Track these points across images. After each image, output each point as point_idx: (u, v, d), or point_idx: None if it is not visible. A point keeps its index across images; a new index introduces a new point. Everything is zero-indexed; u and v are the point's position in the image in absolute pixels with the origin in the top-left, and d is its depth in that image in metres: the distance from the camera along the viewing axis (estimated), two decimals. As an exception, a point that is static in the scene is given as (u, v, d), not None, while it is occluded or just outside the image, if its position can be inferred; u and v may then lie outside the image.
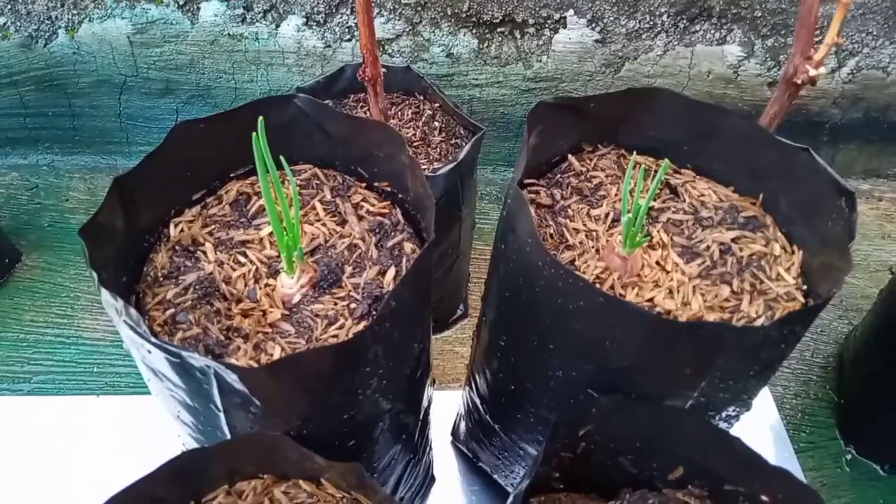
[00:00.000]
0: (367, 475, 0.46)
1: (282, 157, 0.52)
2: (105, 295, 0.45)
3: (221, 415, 0.48)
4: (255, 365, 0.48)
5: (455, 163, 0.82)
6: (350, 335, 0.50)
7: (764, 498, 0.52)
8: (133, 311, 0.44)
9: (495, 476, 0.77)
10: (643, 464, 0.56)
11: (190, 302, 0.52)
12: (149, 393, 0.92)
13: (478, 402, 0.71)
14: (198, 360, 0.42)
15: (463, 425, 0.79)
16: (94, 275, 0.45)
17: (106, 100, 1.21)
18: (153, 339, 0.42)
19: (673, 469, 0.55)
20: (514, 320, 0.58)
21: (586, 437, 0.55)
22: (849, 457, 0.93)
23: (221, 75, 1.18)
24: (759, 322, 0.53)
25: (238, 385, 0.43)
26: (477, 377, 0.70)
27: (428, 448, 0.73)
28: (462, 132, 0.95)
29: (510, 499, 0.48)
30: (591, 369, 0.52)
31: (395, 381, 0.52)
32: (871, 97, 1.22)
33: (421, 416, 0.67)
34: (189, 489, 0.51)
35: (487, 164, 1.29)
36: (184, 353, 0.42)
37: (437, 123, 0.95)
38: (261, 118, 0.48)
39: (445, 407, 0.86)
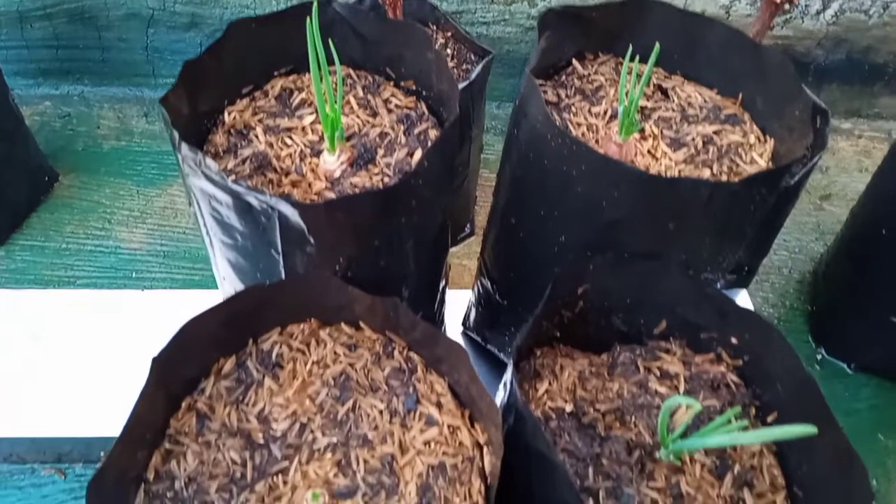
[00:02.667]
0: (403, 305, 0.56)
1: (331, 45, 0.61)
2: (184, 149, 0.53)
3: (280, 259, 0.57)
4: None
5: (468, 81, 0.91)
6: (386, 195, 0.59)
7: (734, 341, 0.61)
8: (210, 160, 0.52)
9: (502, 355, 0.87)
10: (632, 320, 0.66)
11: (248, 171, 0.61)
12: (188, 288, 1.02)
13: (488, 284, 0.81)
14: (266, 198, 0.51)
15: (473, 312, 0.89)
16: (175, 133, 0.54)
17: (134, 33, 1.28)
18: (230, 182, 0.51)
19: (658, 324, 0.65)
20: (523, 197, 0.67)
21: (583, 296, 0.65)
22: (819, 357, 1.03)
23: (244, 10, 1.25)
24: (732, 191, 0.62)
25: (297, 221, 0.52)
26: (488, 262, 0.80)
27: (443, 328, 0.83)
28: (473, 58, 1.03)
29: (515, 342, 0.57)
30: (589, 230, 0.61)
31: (423, 239, 0.61)
32: (854, 39, 1.30)
33: (438, 294, 0.76)
34: (246, 330, 0.60)
35: (493, 100, 1.37)
36: (255, 193, 0.51)
37: (449, 51, 1.03)
38: (315, 8, 0.56)
39: (456, 305, 0.95)
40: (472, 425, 0.57)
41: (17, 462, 0.85)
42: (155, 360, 0.51)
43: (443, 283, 0.77)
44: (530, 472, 0.52)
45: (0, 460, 0.85)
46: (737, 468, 0.57)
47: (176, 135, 0.54)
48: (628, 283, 0.63)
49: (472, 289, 0.90)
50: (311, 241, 0.53)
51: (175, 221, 1.14)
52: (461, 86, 0.90)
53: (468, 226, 1.18)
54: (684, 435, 0.54)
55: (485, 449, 0.55)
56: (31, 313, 0.95)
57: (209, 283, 1.04)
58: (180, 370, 0.56)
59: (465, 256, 1.13)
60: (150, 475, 0.54)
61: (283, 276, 0.58)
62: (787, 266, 1.15)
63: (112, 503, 0.50)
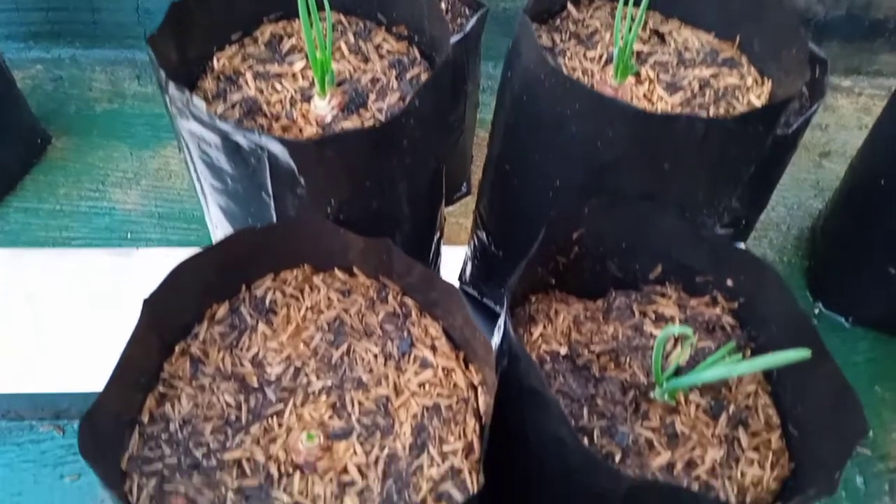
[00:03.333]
0: (397, 248, 0.55)
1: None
2: (172, 89, 0.52)
3: (271, 202, 0.56)
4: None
5: (462, 34, 0.89)
6: (378, 138, 0.58)
7: (729, 283, 0.61)
8: (197, 100, 0.52)
9: (498, 308, 0.87)
10: (627, 265, 0.65)
11: (237, 116, 0.60)
12: (185, 246, 1.01)
13: (484, 236, 0.80)
14: (254, 137, 0.50)
15: (469, 266, 0.89)
16: (162, 72, 0.53)
17: (124, -6, 1.27)
18: (217, 121, 0.51)
19: (653, 268, 0.65)
20: (517, 142, 0.66)
21: (579, 241, 0.64)
22: (817, 311, 1.02)
23: (235, -32, 1.23)
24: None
25: (287, 160, 0.51)
26: (483, 213, 0.79)
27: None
28: (467, 12, 1.01)
29: (509, 281, 0.56)
30: (584, 173, 0.61)
31: (416, 184, 0.61)
32: (854, -7, 1.28)
33: (433, 245, 0.76)
34: (238, 276, 0.60)
35: (489, 60, 1.35)
36: (244, 132, 0.50)
37: (443, 4, 1.01)
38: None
39: (452, 262, 0.95)
40: (467, 367, 0.57)
41: (15, 419, 0.85)
42: (146, 302, 0.51)
43: (437, 234, 0.76)
44: (524, 411, 0.52)
45: (-2, 417, 0.85)
46: (731, 408, 0.57)
47: (163, 74, 0.53)
48: (624, 226, 0.62)
49: (468, 243, 0.90)
50: (302, 181, 0.53)
51: (169, 183, 1.13)
52: (455, 38, 0.89)
53: (464, 185, 1.17)
54: (678, 374, 0.54)
55: (479, 389, 0.55)
56: (27, 272, 0.95)
57: (205, 242, 1.04)
58: (173, 315, 0.55)
59: (461, 215, 1.13)
60: (145, 418, 0.54)
61: (274, 219, 0.58)
62: (785, 222, 1.14)
63: (106, 444, 0.50)
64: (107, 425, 0.49)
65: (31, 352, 0.86)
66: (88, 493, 0.81)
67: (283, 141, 0.50)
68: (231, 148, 0.53)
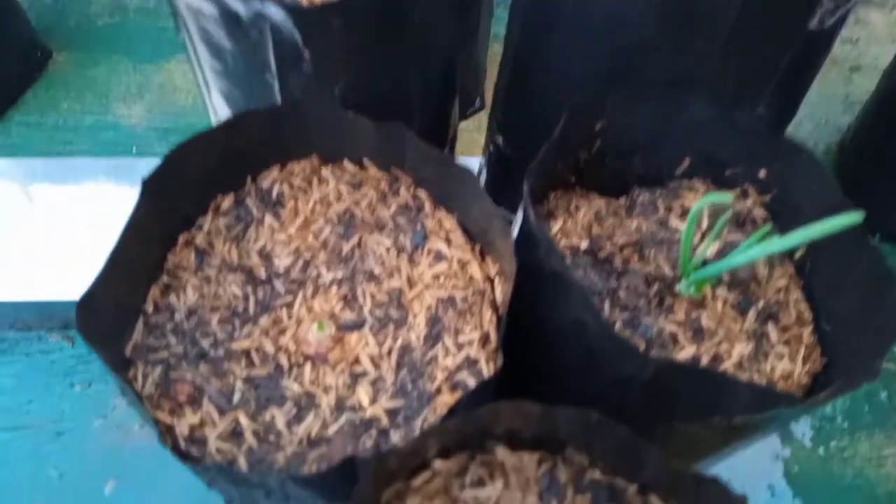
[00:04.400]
0: (410, 132, 0.52)
1: None
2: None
3: (275, 83, 0.53)
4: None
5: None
6: None
7: (762, 175, 0.57)
8: (195, -35, 0.48)
9: (513, 217, 0.84)
10: (652, 160, 0.62)
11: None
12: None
13: (499, 139, 0.77)
14: (255, 4, 0.47)
15: (485, 174, 0.85)
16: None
17: None
18: (216, -13, 0.47)
19: (680, 162, 0.61)
20: (536, 29, 0.62)
21: (601, 134, 0.60)
22: (842, 228, 0.99)
23: None
24: None
25: (290, 30, 0.47)
26: (499, 115, 0.75)
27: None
28: None
29: (529, 166, 0.53)
30: (607, 58, 0.57)
31: (427, 75, 0.57)
32: None
33: (446, 149, 0.72)
34: (244, 167, 0.57)
35: (504, -29, 1.29)
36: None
37: None
38: None
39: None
40: (483, 259, 0.55)
41: (23, 329, 0.84)
42: (145, 183, 0.48)
43: (450, 134, 0.73)
44: (544, 298, 0.49)
45: (6, 327, 0.84)
46: (761, 303, 0.54)
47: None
48: (650, 116, 0.59)
49: (483, 153, 0.86)
50: (306, 56, 0.49)
51: (174, 97, 1.10)
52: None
53: (478, 99, 1.12)
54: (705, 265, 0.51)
55: (496, 280, 0.53)
56: (33, 181, 0.93)
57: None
58: (174, 202, 0.53)
59: (475, 130, 1.09)
60: (149, 307, 0.52)
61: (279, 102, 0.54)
62: (812, 138, 1.10)
63: (108, 330, 0.48)
64: (107, 310, 0.47)
65: (37, 260, 0.84)
66: (100, 401, 0.80)
67: (285, 7, 0.46)
68: (230, 21, 0.49)
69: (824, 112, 1.13)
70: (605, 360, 0.45)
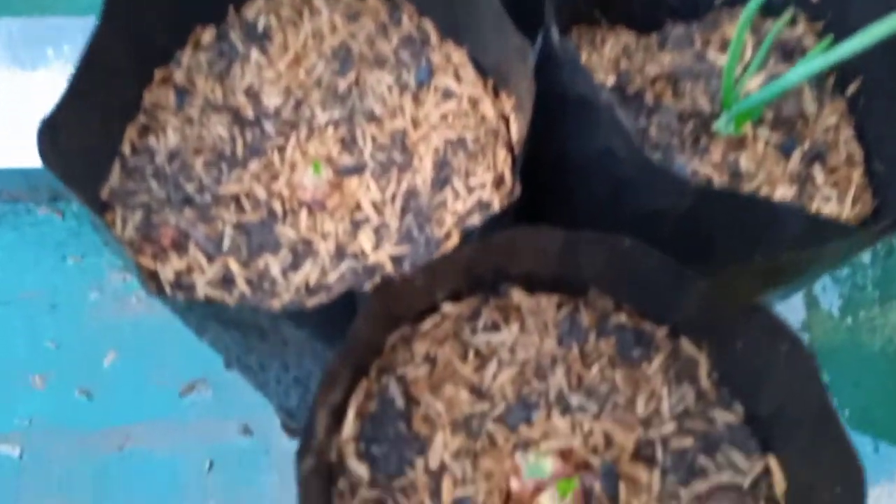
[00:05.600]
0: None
1: None
2: None
3: None
4: None
5: None
6: None
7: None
8: None
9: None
10: (688, -9, 0.55)
11: None
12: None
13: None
14: None
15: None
16: None
17: None
18: None
19: (721, -10, 0.54)
20: None
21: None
22: None
23: None
24: None
25: None
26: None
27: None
28: None
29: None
30: None
31: None
32: None
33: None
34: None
35: None
36: None
37: None
38: None
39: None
40: (497, 96, 0.49)
41: (10, 200, 0.80)
42: (107, 1, 0.42)
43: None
44: (567, 130, 0.44)
45: (-8, 198, 0.80)
46: (807, 144, 0.49)
47: None
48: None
49: None
50: None
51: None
52: None
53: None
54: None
55: (511, 117, 0.47)
56: (10, 42, 0.86)
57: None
58: (146, 28, 0.47)
59: None
60: (126, 149, 0.47)
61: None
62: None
63: (82, 173, 0.43)
64: (77, 147, 0.42)
65: (18, 126, 0.79)
66: (94, 274, 0.77)
67: None
68: None
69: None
70: (636, 192, 0.40)
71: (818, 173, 0.48)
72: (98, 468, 0.67)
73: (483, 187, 0.45)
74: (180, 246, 0.43)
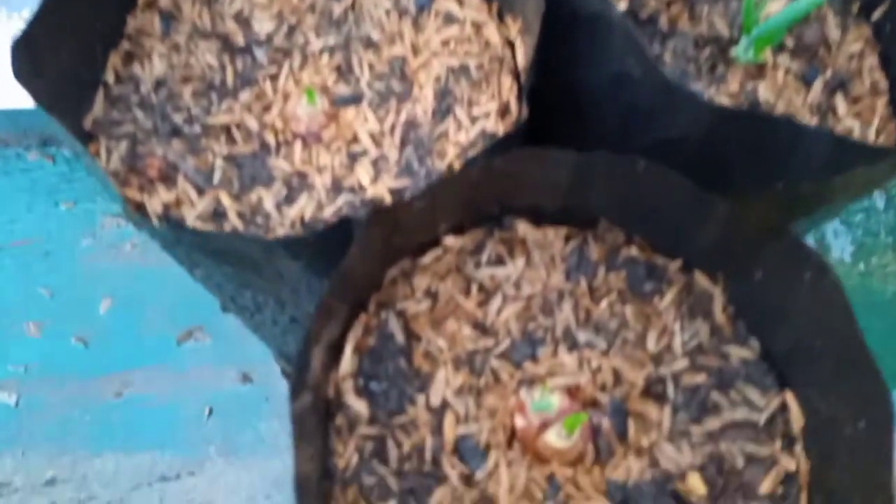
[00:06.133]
0: None
1: None
2: None
3: None
4: None
5: None
6: None
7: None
8: None
9: None
10: None
11: None
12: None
13: None
14: None
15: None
16: None
17: None
18: None
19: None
20: None
21: None
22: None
23: None
24: None
25: None
26: None
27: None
28: None
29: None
30: None
31: None
32: None
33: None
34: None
35: None
36: None
37: None
38: None
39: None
40: (501, 20, 0.46)
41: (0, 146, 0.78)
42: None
43: None
44: (577, 53, 0.41)
45: (-20, 143, 0.77)
46: (829, 72, 0.46)
47: None
48: None
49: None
50: None
51: None
52: None
53: None
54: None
55: (516, 42, 0.45)
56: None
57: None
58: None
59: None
60: (110, 78, 0.44)
61: None
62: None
63: (64, 100, 0.41)
64: (56, 72, 0.40)
65: (4, 66, 0.76)
66: (87, 220, 0.75)
67: None
68: None
69: None
70: (649, 119, 0.37)
71: (840, 103, 0.45)
72: (96, 415, 0.66)
73: (487, 117, 0.43)
74: (168, 178, 0.41)
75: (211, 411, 0.66)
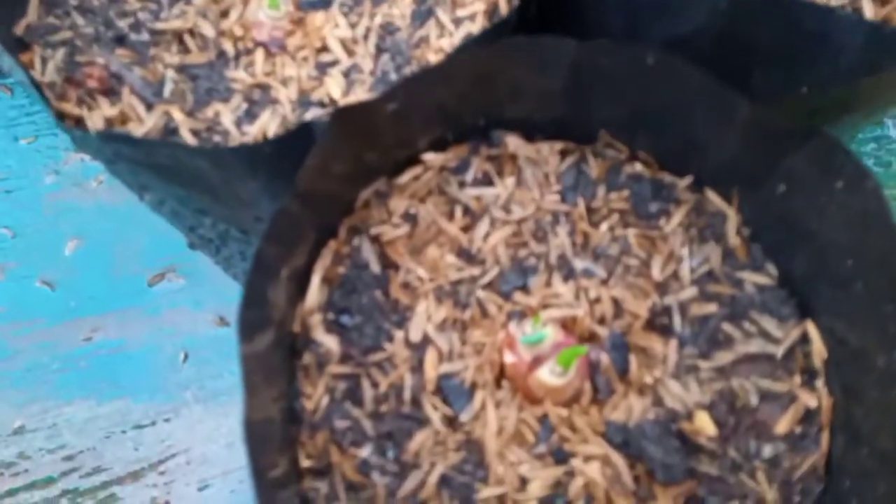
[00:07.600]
0: None
1: None
2: None
3: None
4: None
5: None
6: None
7: None
8: None
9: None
10: None
11: None
12: None
13: None
14: None
15: None
16: None
17: None
18: None
19: None
20: None
21: None
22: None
23: None
24: None
25: None
26: None
27: None
28: None
29: None
30: None
31: None
32: None
33: None
34: None
35: None
36: None
37: None
38: None
39: None
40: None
41: (-50, 75, 0.72)
42: None
43: None
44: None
45: (-70, 73, 0.72)
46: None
47: None
48: None
49: None
50: None
51: None
52: None
53: None
54: None
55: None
56: None
57: None
58: None
59: None
60: (44, -21, 0.39)
61: None
62: None
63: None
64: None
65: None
66: (49, 156, 0.70)
67: None
68: None
69: None
70: (658, 15, 0.33)
71: (867, 4, 0.40)
72: (64, 361, 0.63)
73: (473, 19, 0.38)
74: (111, 90, 0.36)
75: (186, 356, 0.62)
